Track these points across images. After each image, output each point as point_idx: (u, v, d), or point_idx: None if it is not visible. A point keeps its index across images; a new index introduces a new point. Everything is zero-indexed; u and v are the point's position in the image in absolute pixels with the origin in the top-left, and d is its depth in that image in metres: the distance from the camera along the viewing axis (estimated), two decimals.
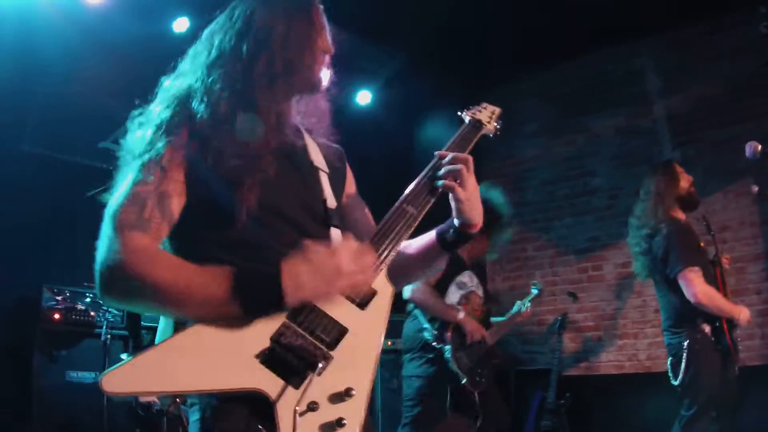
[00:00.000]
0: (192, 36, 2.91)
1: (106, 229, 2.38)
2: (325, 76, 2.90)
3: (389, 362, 9.03)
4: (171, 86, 2.74)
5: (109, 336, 7.20)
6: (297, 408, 2.20)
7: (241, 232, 2.49)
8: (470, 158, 2.79)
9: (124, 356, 6.81)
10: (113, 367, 2.13)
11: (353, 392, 2.32)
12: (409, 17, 8.94)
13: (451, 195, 2.76)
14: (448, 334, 7.01)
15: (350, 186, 3.16)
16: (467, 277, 7.47)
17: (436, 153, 2.86)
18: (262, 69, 2.70)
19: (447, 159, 2.79)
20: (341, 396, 2.31)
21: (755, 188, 5.53)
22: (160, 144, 2.48)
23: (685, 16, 9.50)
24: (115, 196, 2.45)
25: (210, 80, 2.68)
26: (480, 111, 3.32)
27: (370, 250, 2.48)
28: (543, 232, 11.12)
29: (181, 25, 8.28)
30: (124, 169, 2.54)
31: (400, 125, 10.88)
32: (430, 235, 2.91)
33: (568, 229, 10.84)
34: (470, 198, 2.77)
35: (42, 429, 6.84)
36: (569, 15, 9.24)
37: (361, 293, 2.49)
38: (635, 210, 6.98)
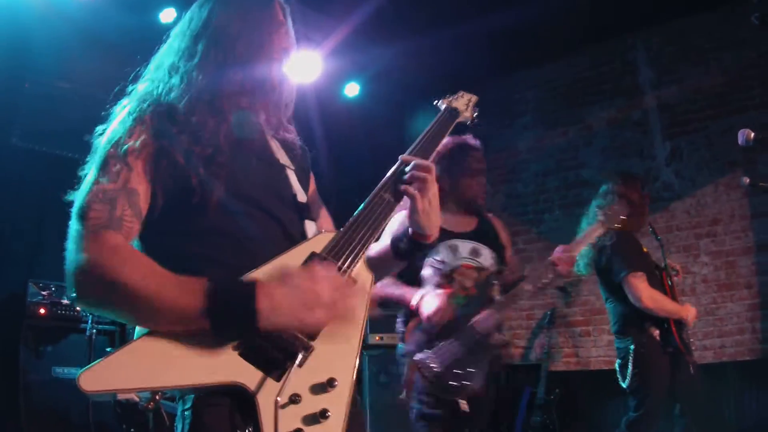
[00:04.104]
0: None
1: (75, 228, 2.32)
2: (282, 72, 2.89)
3: (378, 357, 9.02)
4: (137, 90, 2.77)
5: (94, 331, 7.15)
6: (278, 399, 2.18)
7: (212, 220, 2.48)
8: (433, 167, 2.77)
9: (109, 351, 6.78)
10: (91, 364, 2.09)
11: (336, 383, 2.28)
12: (401, 9, 8.90)
13: (410, 203, 2.74)
14: (402, 330, 5.36)
15: (311, 184, 3.14)
16: (446, 251, 5.44)
17: (400, 157, 2.84)
18: (213, 66, 2.72)
19: (411, 165, 2.75)
20: (324, 387, 2.27)
21: (746, 180, 5.51)
22: (124, 140, 2.47)
23: (680, 8, 9.48)
24: (82, 193, 2.41)
25: (169, 80, 2.72)
26: (456, 99, 3.37)
27: (351, 280, 2.42)
28: (533, 225, 11.08)
29: (168, 15, 8.24)
30: (90, 166, 2.53)
31: (389, 118, 10.86)
32: (386, 242, 2.92)
33: (557, 222, 10.81)
34: (427, 209, 2.75)
35: (29, 425, 6.82)
36: (564, 7, 9.20)
37: (342, 322, 2.38)
38: (588, 211, 7.13)
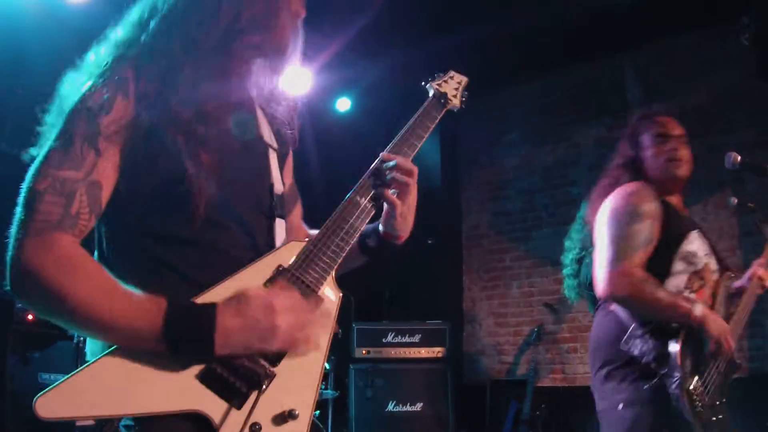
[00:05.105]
0: None
1: (20, 216, 2.11)
2: (294, 40, 2.66)
3: (364, 371, 9.05)
4: (117, 39, 2.45)
5: (81, 338, 7.12)
6: (240, 429, 2.12)
7: (187, 228, 2.28)
8: (416, 170, 2.64)
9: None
10: (47, 389, 1.99)
11: (296, 413, 2.22)
12: (391, 24, 8.92)
13: (388, 207, 2.65)
14: (676, 350, 3.96)
15: (288, 170, 2.90)
16: (697, 242, 4.35)
17: (381, 155, 2.68)
18: (224, 24, 2.43)
19: (391, 165, 2.61)
20: (284, 417, 2.21)
21: (734, 200, 5.51)
22: (98, 108, 2.20)
23: (669, 28, 9.52)
24: (33, 171, 2.16)
25: (164, 35, 2.40)
26: (446, 81, 3.15)
27: (314, 305, 2.30)
28: (521, 242, 11.10)
29: None
30: (52, 130, 2.25)
31: (380, 133, 10.87)
32: None
33: (546, 240, 10.82)
34: (405, 213, 2.67)
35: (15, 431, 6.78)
36: (554, 25, 9.25)
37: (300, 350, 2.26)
38: (570, 232, 7.01)
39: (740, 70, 9.12)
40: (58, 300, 2.04)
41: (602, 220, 4.40)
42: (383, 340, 9.26)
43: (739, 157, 4.63)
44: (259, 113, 2.73)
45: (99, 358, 2.08)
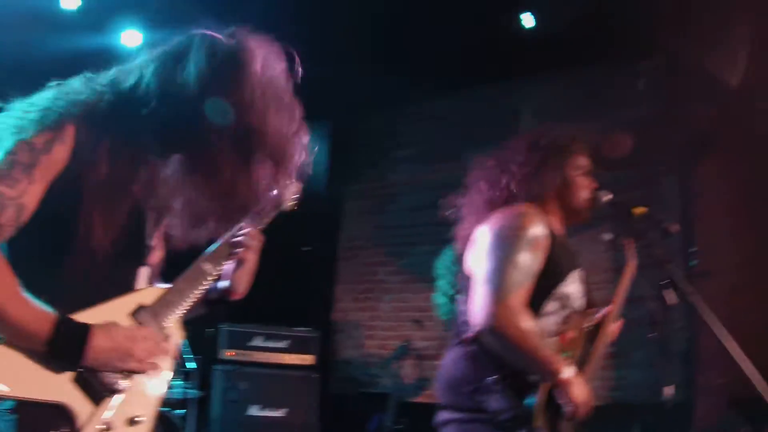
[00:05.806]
0: (82, 13, 2.90)
1: None
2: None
3: (229, 372, 9.13)
4: (70, 94, 2.71)
5: None
6: (97, 426, 2.57)
7: (72, 258, 2.65)
8: (263, 239, 3.30)
9: None
10: None
11: (141, 419, 2.74)
12: (287, 31, 8.87)
13: (238, 263, 3.26)
14: (535, 409, 3.66)
15: (160, 232, 3.23)
16: (575, 284, 4.10)
17: (238, 226, 3.20)
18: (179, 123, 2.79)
19: (246, 231, 3.21)
20: (132, 421, 2.71)
21: (607, 236, 5.55)
22: (40, 146, 2.55)
23: (568, 61, 9.72)
24: None
25: (115, 104, 2.75)
26: (287, 187, 3.56)
27: (164, 342, 2.80)
28: (398, 257, 11.20)
29: (69, 1, 7.96)
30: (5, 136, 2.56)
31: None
32: None
33: (423, 257, 10.84)
34: (249, 273, 3.31)
35: None
36: (451, 48, 9.39)
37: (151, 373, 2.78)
38: (443, 257, 6.54)
39: (633, 112, 9.32)
40: None
41: (484, 244, 4.01)
42: (252, 344, 9.38)
43: (605, 197, 4.49)
44: (154, 171, 2.96)
45: None
